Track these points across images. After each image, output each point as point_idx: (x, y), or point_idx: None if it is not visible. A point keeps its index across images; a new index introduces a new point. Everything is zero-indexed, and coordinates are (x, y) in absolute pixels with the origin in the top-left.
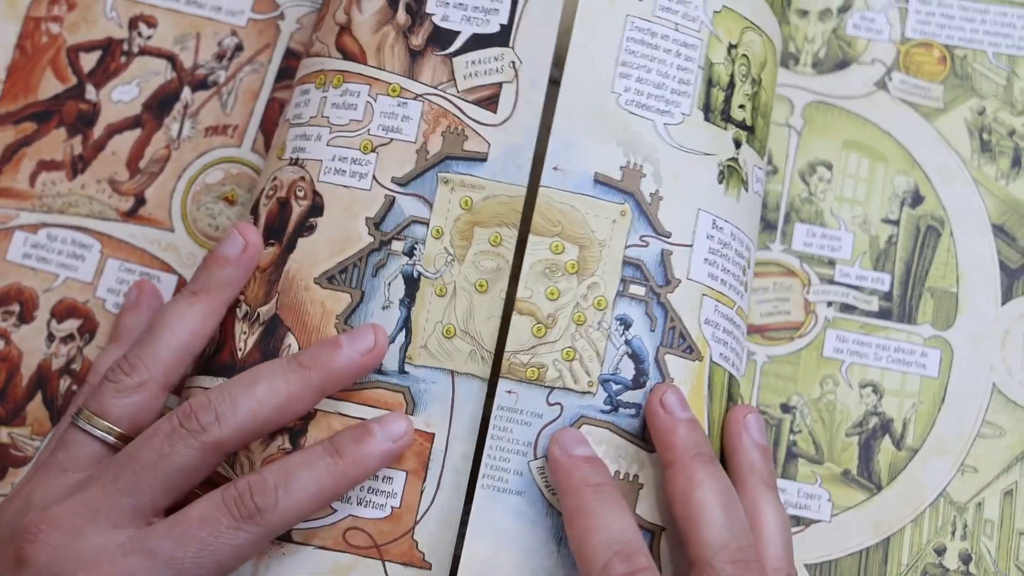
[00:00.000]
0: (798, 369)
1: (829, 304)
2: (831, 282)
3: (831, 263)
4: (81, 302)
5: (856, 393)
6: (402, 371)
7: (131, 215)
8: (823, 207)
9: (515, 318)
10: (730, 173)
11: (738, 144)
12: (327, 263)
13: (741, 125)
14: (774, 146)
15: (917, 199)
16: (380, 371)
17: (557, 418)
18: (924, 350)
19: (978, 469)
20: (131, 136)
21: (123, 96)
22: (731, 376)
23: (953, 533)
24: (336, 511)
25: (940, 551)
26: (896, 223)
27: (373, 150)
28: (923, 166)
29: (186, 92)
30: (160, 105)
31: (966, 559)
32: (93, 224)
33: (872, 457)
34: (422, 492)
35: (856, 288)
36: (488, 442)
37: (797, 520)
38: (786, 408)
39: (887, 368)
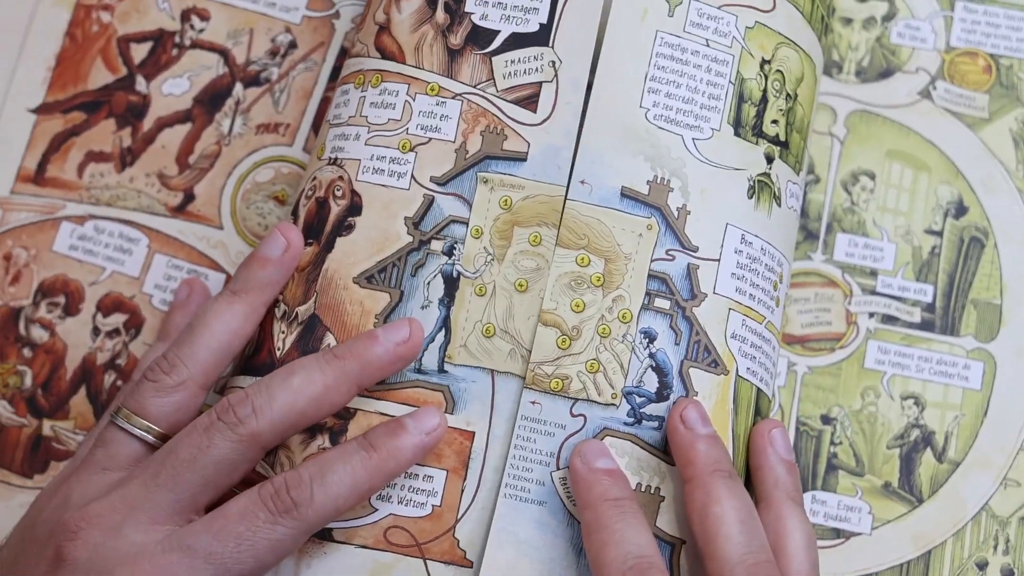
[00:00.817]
0: (839, 380)
1: (871, 315)
2: (873, 293)
3: (873, 274)
4: (128, 297)
5: (898, 405)
6: (441, 370)
7: (180, 211)
8: (865, 217)
9: (540, 329)
10: (761, 188)
11: (770, 159)
12: (366, 262)
13: (774, 140)
14: (816, 155)
15: (961, 210)
16: (419, 370)
17: (580, 429)
18: (967, 362)
19: (1021, 483)
20: (181, 130)
21: (174, 89)
22: (759, 391)
23: (995, 547)
24: (377, 510)
25: (982, 565)
26: (939, 234)
27: (412, 149)
28: (967, 176)
29: (238, 88)
30: (211, 100)
31: (1008, 574)
32: (141, 218)
33: (913, 470)
34: (463, 490)
35: (898, 299)
36: (511, 451)
37: (837, 532)
38: (827, 419)
39: (929, 380)
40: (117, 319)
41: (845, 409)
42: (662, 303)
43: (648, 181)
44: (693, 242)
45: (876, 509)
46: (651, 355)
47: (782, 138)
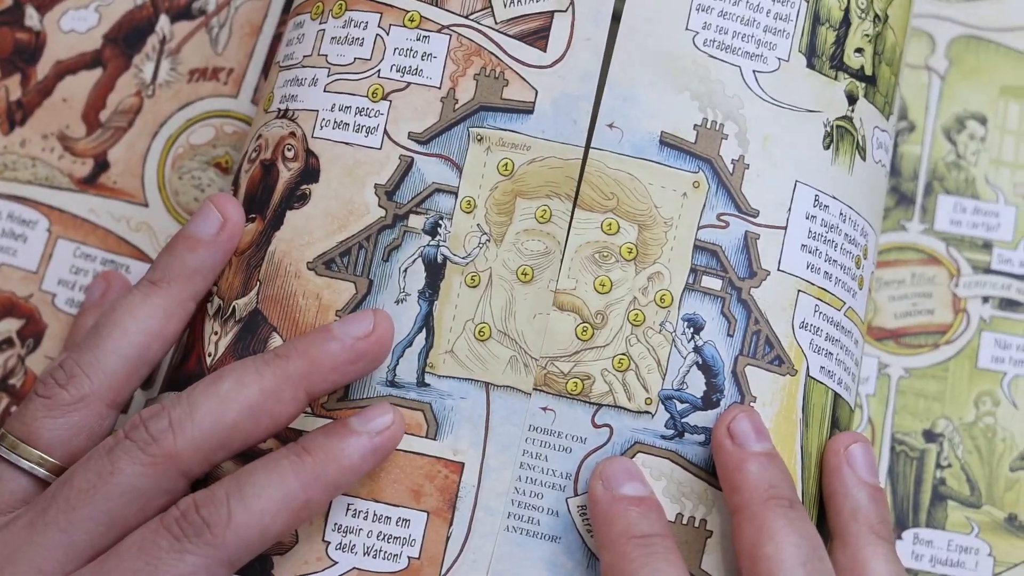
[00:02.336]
0: (946, 385)
1: (985, 300)
2: (987, 271)
3: (987, 246)
4: (22, 297)
5: (1022, 415)
6: (422, 383)
7: (89, 183)
8: (975, 173)
9: (555, 315)
10: (840, 136)
11: (853, 99)
12: (324, 243)
13: (858, 75)
14: (910, 95)
15: None
16: (393, 383)
17: (604, 444)
18: None
19: None
20: (89, 78)
21: (77, 24)
22: (837, 397)
23: None
24: (336, 563)
25: None
26: None
27: (385, 97)
28: None
29: (163, 22)
30: (128, 38)
31: None
32: (38, 194)
33: None
34: (448, 538)
35: (1020, 278)
36: (516, 472)
37: None
38: (931, 436)
39: None
40: (8, 326)
41: (954, 422)
42: (711, 283)
43: (696, 125)
44: (752, 204)
45: (998, 550)
46: (696, 349)
47: (868, 72)
